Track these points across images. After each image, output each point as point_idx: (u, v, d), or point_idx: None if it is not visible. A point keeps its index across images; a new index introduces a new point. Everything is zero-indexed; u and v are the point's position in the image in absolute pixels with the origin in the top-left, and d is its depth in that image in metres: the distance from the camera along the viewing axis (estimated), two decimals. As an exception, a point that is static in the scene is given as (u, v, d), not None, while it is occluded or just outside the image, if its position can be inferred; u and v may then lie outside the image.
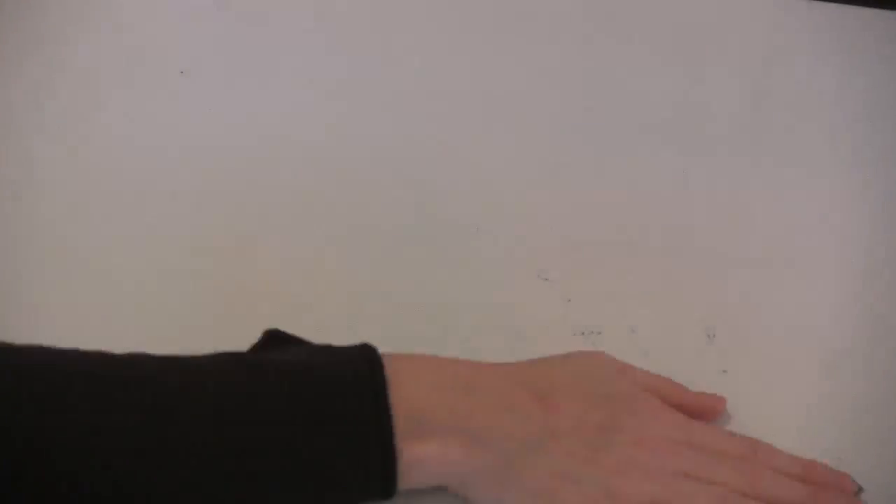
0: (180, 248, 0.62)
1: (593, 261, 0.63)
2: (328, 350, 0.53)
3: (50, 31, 0.71)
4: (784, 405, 0.58)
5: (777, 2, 0.77)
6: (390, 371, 0.51)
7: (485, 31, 0.75)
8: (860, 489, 0.55)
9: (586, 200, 0.66)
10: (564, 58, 0.73)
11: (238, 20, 0.73)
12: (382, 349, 0.52)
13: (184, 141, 0.67)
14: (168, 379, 0.49)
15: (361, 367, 0.51)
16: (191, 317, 0.59)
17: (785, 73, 0.73)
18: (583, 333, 0.60)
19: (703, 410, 0.57)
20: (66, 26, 0.72)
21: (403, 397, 0.50)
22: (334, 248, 0.63)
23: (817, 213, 0.66)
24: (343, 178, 0.66)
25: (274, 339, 0.54)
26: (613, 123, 0.70)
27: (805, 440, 0.56)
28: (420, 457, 0.51)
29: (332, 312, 0.60)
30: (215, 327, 0.58)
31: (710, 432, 0.56)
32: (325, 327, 0.54)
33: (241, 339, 0.53)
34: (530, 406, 0.54)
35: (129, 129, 0.67)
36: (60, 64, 0.70)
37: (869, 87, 0.72)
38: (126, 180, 0.65)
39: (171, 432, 0.47)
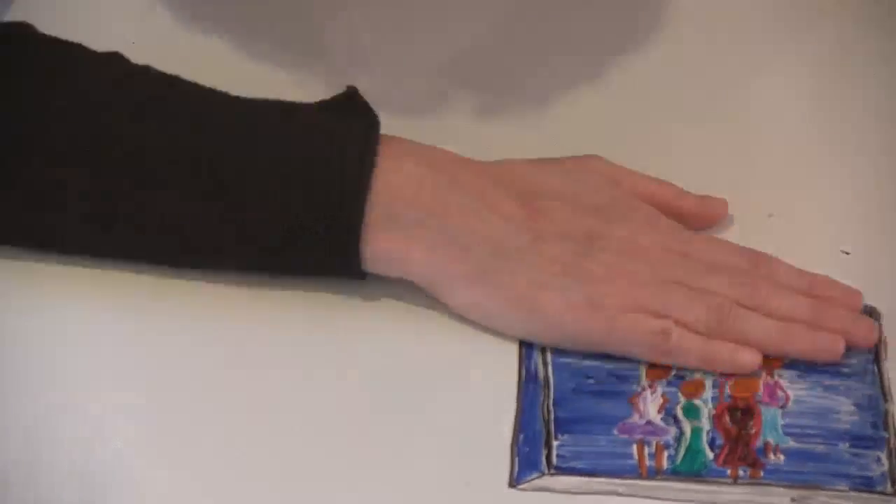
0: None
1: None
2: (337, 123, 0.53)
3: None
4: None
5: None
6: (380, 156, 0.51)
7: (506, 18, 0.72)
8: (874, 311, 0.53)
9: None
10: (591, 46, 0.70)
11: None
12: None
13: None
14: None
15: (355, 143, 0.52)
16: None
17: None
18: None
19: (704, 215, 0.56)
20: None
21: (382, 185, 0.51)
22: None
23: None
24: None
25: (349, 97, 0.55)
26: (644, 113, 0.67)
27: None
28: (385, 247, 0.51)
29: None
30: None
31: (709, 243, 0.55)
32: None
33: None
34: (513, 209, 0.53)
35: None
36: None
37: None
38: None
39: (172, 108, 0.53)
